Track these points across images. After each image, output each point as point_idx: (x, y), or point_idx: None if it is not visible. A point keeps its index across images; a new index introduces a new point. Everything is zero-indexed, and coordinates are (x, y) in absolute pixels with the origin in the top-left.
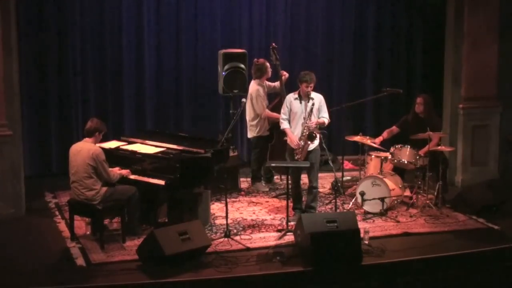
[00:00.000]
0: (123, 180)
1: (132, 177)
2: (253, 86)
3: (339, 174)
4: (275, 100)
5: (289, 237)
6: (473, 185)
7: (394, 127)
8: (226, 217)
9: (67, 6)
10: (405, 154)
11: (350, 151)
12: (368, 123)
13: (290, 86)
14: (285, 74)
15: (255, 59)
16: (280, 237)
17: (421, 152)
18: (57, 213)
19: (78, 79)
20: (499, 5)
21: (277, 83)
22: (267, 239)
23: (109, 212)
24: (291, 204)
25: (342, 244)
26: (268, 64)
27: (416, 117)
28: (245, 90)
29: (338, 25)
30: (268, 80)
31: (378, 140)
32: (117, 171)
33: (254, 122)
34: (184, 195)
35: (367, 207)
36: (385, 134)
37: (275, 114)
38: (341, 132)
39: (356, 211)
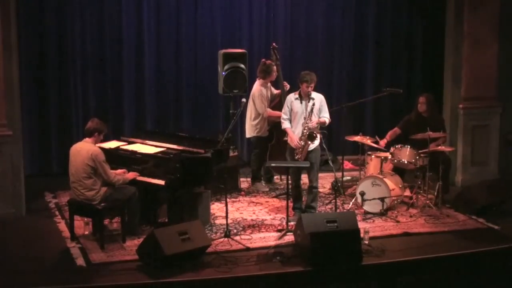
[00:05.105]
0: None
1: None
2: (256, 86)
3: (339, 174)
4: (275, 101)
5: (289, 237)
6: (473, 185)
7: (396, 129)
8: (226, 217)
9: (67, 6)
10: (405, 154)
11: (350, 151)
12: (368, 123)
13: (291, 87)
14: (287, 85)
15: (263, 59)
16: (280, 237)
17: (435, 144)
18: (57, 213)
19: (78, 79)
20: (499, 5)
21: (279, 91)
22: (267, 239)
23: (109, 212)
24: (291, 204)
25: (342, 244)
26: (274, 67)
27: (419, 117)
28: (245, 90)
29: (338, 25)
30: (272, 83)
31: (383, 142)
32: (122, 174)
33: (255, 122)
34: (184, 195)
35: (367, 207)
36: (388, 136)
37: (276, 112)
38: (341, 132)
39: (356, 211)
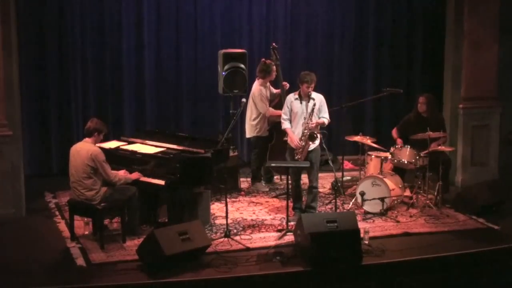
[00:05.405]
0: None
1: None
2: (256, 86)
3: (339, 174)
4: (274, 101)
5: (289, 237)
6: (473, 185)
7: (395, 129)
8: (226, 217)
9: (67, 7)
10: (405, 154)
11: (350, 151)
12: (368, 123)
13: (291, 87)
14: (287, 85)
15: (263, 59)
16: (280, 237)
17: (436, 144)
18: (57, 213)
19: (78, 79)
20: (499, 5)
21: (278, 91)
22: (267, 239)
23: (109, 212)
24: (291, 204)
25: (342, 244)
26: (273, 67)
27: (419, 117)
28: (245, 90)
29: (338, 25)
30: (271, 82)
31: (400, 141)
32: (123, 174)
33: (255, 122)
34: (184, 195)
35: (367, 207)
36: (398, 136)
37: (278, 112)
38: (341, 132)
39: (356, 211)
